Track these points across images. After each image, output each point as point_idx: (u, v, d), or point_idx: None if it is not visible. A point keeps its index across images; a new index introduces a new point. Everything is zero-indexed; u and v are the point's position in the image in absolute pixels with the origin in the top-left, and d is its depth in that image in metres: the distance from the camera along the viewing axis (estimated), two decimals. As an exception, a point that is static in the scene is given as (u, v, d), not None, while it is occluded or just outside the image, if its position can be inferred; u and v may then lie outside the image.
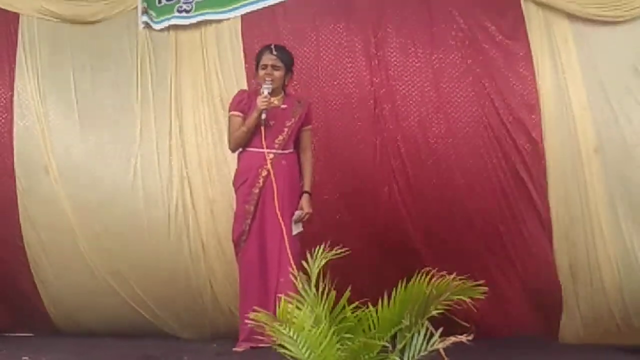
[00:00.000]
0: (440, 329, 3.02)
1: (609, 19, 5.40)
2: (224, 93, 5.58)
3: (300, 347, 3.11)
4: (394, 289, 3.07)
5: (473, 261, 5.16)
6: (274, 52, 5.04)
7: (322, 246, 3.20)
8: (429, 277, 3.09)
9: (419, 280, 3.10)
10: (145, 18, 5.69)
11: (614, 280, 5.33)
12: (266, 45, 5.15)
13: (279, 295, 4.67)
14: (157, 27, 5.71)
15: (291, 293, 3.19)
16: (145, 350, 4.97)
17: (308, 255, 3.28)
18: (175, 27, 5.72)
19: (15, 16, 5.82)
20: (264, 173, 4.98)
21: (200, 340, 5.57)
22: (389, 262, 5.25)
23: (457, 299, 3.04)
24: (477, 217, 5.43)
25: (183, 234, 5.56)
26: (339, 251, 3.21)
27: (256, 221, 4.97)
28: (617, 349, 5.20)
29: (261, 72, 5.03)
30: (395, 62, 5.53)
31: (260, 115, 4.95)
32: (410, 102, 5.50)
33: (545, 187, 5.38)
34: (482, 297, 3.07)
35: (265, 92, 4.97)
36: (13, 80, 5.77)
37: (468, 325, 3.07)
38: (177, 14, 5.69)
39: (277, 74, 5.04)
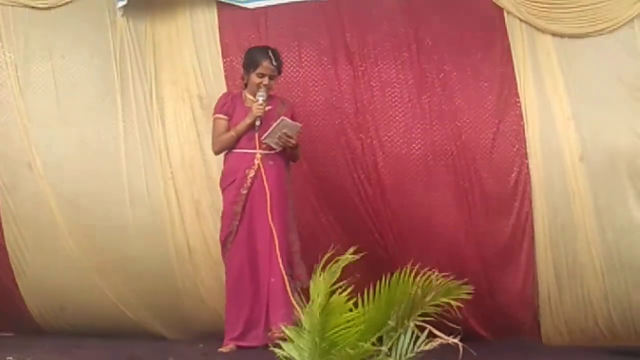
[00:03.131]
0: (427, 330, 3.00)
1: (591, 34, 5.44)
2: (202, 91, 5.57)
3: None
4: (374, 287, 3.04)
5: (450, 267, 5.10)
6: (274, 63, 5.03)
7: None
8: (412, 275, 3.07)
9: (404, 279, 3.08)
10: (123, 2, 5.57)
11: (599, 288, 5.36)
12: (262, 48, 5.14)
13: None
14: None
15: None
16: (130, 350, 4.93)
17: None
18: (152, 20, 5.66)
19: (-10, 10, 5.74)
20: (252, 174, 4.97)
21: (186, 340, 5.55)
22: (367, 269, 5.19)
23: (443, 301, 3.03)
24: (459, 227, 5.44)
25: (168, 232, 5.53)
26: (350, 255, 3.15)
27: (244, 222, 4.96)
28: (602, 351, 5.25)
29: (257, 80, 5.02)
30: (379, 74, 5.51)
31: (254, 121, 4.95)
32: (392, 112, 5.48)
33: (530, 198, 5.39)
34: (468, 297, 3.06)
35: (261, 100, 4.99)
36: (-8, 77, 5.70)
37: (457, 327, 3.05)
38: None
39: (272, 82, 5.07)
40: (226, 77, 5.57)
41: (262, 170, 4.93)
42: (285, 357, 3.08)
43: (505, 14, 5.50)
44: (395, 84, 5.48)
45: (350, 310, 3.00)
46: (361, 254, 3.11)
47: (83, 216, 5.57)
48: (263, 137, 4.92)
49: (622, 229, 5.33)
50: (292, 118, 5.13)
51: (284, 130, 4.93)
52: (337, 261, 3.14)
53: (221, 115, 5.09)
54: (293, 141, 4.98)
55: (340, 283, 2.97)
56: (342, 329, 2.96)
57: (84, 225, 5.58)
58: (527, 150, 5.40)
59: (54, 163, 5.61)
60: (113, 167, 5.56)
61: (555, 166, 5.38)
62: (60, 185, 5.60)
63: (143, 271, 5.54)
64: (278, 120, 4.92)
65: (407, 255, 5.26)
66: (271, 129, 4.91)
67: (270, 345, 3.40)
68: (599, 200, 5.34)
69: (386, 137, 5.46)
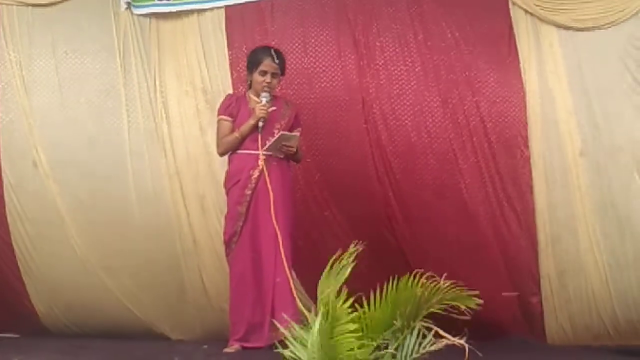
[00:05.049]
0: (433, 331, 2.99)
1: (598, 27, 5.42)
2: (207, 84, 5.56)
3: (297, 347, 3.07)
4: (382, 288, 3.02)
5: (458, 263, 5.10)
6: (276, 61, 5.02)
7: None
8: (419, 279, 3.05)
9: (411, 283, 3.06)
10: None
11: (602, 284, 5.36)
12: (264, 47, 5.13)
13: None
14: (137, 12, 5.62)
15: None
16: (136, 351, 4.93)
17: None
18: (156, 14, 5.65)
19: (-5, 9, 5.72)
20: (256, 174, 4.95)
21: (191, 341, 5.55)
22: (374, 260, 5.18)
23: (453, 304, 3.01)
24: (463, 220, 5.42)
25: (174, 226, 5.54)
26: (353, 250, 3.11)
27: (248, 222, 4.95)
28: (607, 350, 5.23)
29: (259, 78, 5.01)
30: (384, 63, 5.49)
31: (258, 122, 4.94)
32: (399, 102, 5.46)
33: (531, 192, 5.38)
34: (476, 307, 3.04)
35: (264, 101, 4.98)
36: (-3, 75, 5.70)
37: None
38: (157, 1, 5.59)
39: (275, 81, 5.06)
40: (231, 68, 5.56)
41: (266, 171, 4.92)
42: (292, 357, 3.06)
43: (510, 4, 5.48)
44: (401, 72, 5.47)
45: (355, 310, 2.99)
46: (364, 244, 3.07)
47: (89, 213, 5.58)
48: (264, 149, 4.92)
49: (624, 225, 5.32)
50: (296, 118, 5.13)
51: (284, 142, 4.93)
52: (341, 261, 3.11)
53: (225, 117, 5.07)
54: (293, 149, 4.99)
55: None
56: (347, 330, 2.95)
57: (89, 222, 5.59)
58: (529, 145, 5.38)
59: (59, 160, 5.61)
60: (118, 163, 5.57)
61: (557, 161, 5.37)
62: (65, 183, 5.60)
63: (149, 267, 5.55)
64: (277, 136, 4.92)
65: (417, 247, 5.32)
66: (270, 143, 4.91)
67: (275, 345, 3.39)
68: (600, 196, 5.33)
69: (393, 126, 5.44)
